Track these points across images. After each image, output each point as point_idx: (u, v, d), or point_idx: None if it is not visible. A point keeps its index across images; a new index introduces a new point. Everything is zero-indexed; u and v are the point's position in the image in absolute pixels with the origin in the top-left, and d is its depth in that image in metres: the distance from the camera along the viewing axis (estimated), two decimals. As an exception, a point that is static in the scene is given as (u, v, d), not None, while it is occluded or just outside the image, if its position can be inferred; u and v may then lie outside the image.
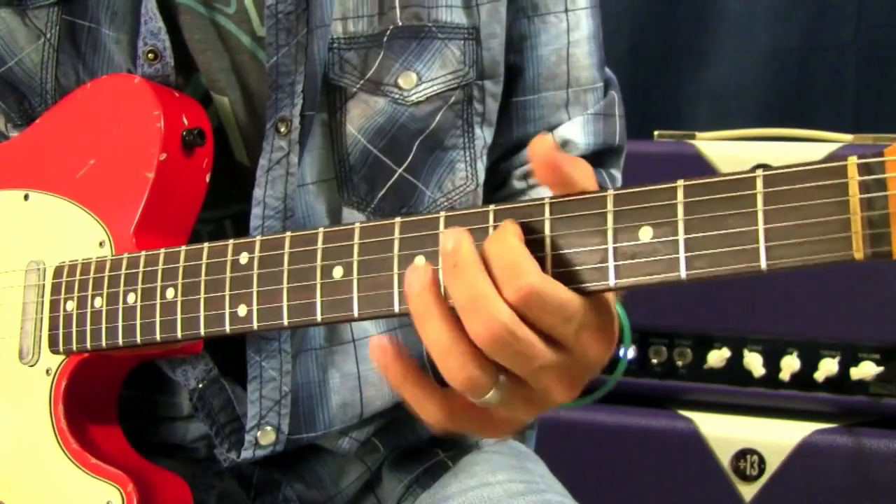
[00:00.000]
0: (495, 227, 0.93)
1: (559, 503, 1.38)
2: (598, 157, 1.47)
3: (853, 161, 0.78)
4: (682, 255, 0.85)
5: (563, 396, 0.94)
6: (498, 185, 1.48)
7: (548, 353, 0.90)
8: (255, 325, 1.09)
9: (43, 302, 1.28)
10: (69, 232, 1.28)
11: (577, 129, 1.45)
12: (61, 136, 1.33)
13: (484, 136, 1.40)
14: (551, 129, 1.44)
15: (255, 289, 1.09)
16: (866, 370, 2.19)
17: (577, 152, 1.44)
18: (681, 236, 0.85)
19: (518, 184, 1.46)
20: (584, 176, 0.92)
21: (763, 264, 0.81)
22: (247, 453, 1.31)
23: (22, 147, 1.37)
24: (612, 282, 0.88)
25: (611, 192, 0.89)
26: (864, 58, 2.88)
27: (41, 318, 1.28)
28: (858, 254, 0.78)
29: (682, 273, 0.85)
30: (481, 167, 1.40)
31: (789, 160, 2.30)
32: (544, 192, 1.39)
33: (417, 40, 1.32)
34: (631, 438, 2.32)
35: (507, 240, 0.90)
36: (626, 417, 2.34)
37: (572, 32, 1.43)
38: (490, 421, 0.99)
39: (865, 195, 0.77)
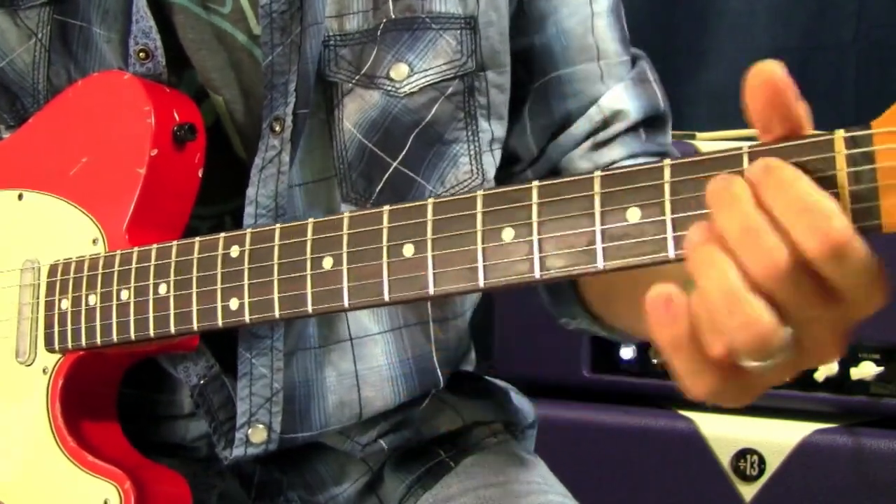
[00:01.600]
0: (484, 214, 0.93)
1: (560, 504, 1.39)
2: (649, 126, 1.43)
3: (840, 135, 0.78)
4: (669, 234, 0.84)
5: (834, 353, 0.86)
6: (549, 170, 1.43)
7: (832, 306, 0.82)
8: (247, 318, 1.09)
9: (38, 301, 1.28)
10: (63, 230, 1.29)
11: (624, 96, 1.40)
12: (54, 134, 1.33)
13: (491, 129, 1.38)
14: (593, 101, 1.40)
15: (245, 282, 1.09)
16: (866, 370, 2.19)
17: (629, 120, 1.40)
18: (668, 216, 0.84)
19: (584, 164, 1.40)
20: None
21: None
22: (238, 451, 1.31)
23: (15, 146, 1.37)
24: (600, 264, 0.88)
25: (597, 173, 0.88)
26: (864, 58, 2.87)
27: (37, 317, 1.28)
28: None
29: (671, 253, 0.84)
30: (489, 161, 1.39)
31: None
32: None
33: (410, 32, 1.31)
34: (631, 438, 2.32)
35: (797, 184, 0.79)
36: (626, 417, 2.34)
37: (594, 4, 1.40)
38: (748, 388, 0.89)
39: (852, 168, 0.77)
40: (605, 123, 1.40)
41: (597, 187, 0.88)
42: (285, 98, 1.25)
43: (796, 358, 0.84)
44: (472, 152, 1.36)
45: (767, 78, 0.83)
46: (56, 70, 1.34)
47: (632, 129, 1.40)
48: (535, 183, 0.91)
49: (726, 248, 0.81)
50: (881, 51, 2.86)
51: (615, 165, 1.35)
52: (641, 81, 1.43)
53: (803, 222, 0.78)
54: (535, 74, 1.40)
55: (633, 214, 0.86)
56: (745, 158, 0.82)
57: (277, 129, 1.25)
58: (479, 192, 0.94)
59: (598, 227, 0.88)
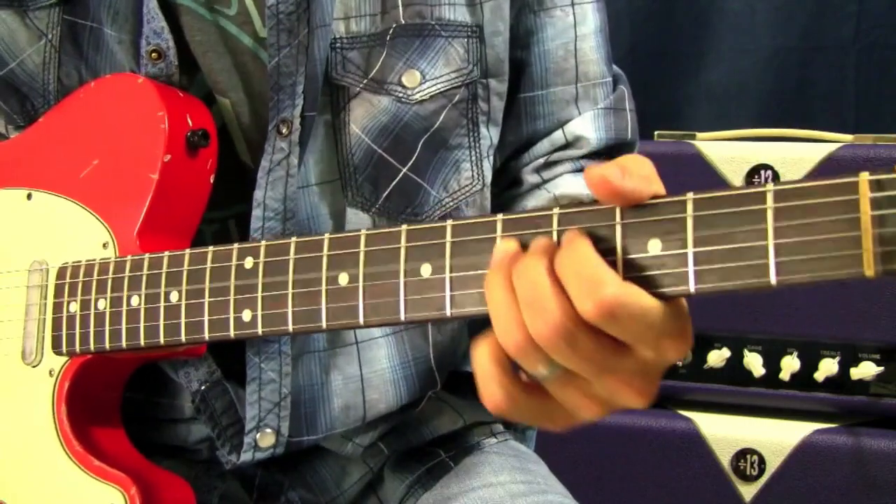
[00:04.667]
0: (503, 237, 0.93)
1: (560, 504, 1.39)
2: (610, 153, 1.46)
3: (865, 177, 0.78)
4: (690, 268, 0.85)
5: (635, 401, 0.91)
6: (508, 184, 1.47)
7: (616, 360, 0.88)
8: (259, 330, 1.09)
9: (46, 303, 1.28)
10: (72, 232, 1.28)
11: (588, 125, 1.44)
12: (65, 135, 1.33)
13: (490, 135, 1.39)
14: (561, 124, 1.43)
15: (259, 294, 1.09)
16: (866, 370, 2.19)
17: (588, 148, 1.43)
18: (689, 250, 0.85)
19: (532, 178, 1.45)
20: (640, 181, 0.89)
21: (773, 280, 0.81)
22: (246, 455, 1.31)
23: (25, 146, 1.37)
24: None
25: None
26: (864, 58, 2.88)
27: (44, 319, 1.28)
28: (869, 271, 0.77)
29: (692, 287, 0.85)
30: (488, 167, 1.40)
31: (789, 160, 2.28)
32: (564, 186, 1.38)
33: (421, 38, 1.31)
34: (631, 438, 2.33)
35: (580, 251, 0.87)
36: (626, 417, 2.34)
37: (579, 26, 1.42)
38: (548, 412, 0.95)
39: (877, 212, 0.77)
40: (565, 146, 1.44)
41: (618, 217, 0.88)
42: (293, 100, 1.25)
43: (588, 394, 0.92)
44: (473, 158, 1.37)
45: (596, 180, 0.88)
46: (67, 70, 1.34)
47: (590, 156, 1.43)
48: (556, 210, 0.91)
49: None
50: (881, 51, 2.86)
51: (558, 178, 1.41)
52: (616, 110, 1.46)
53: (582, 287, 0.85)
54: (514, 89, 1.41)
55: (654, 246, 0.87)
56: (770, 196, 0.82)
57: (284, 131, 1.25)
58: (500, 216, 0.94)
59: (619, 257, 0.88)
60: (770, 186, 0.82)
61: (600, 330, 0.87)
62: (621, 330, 0.86)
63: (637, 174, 0.88)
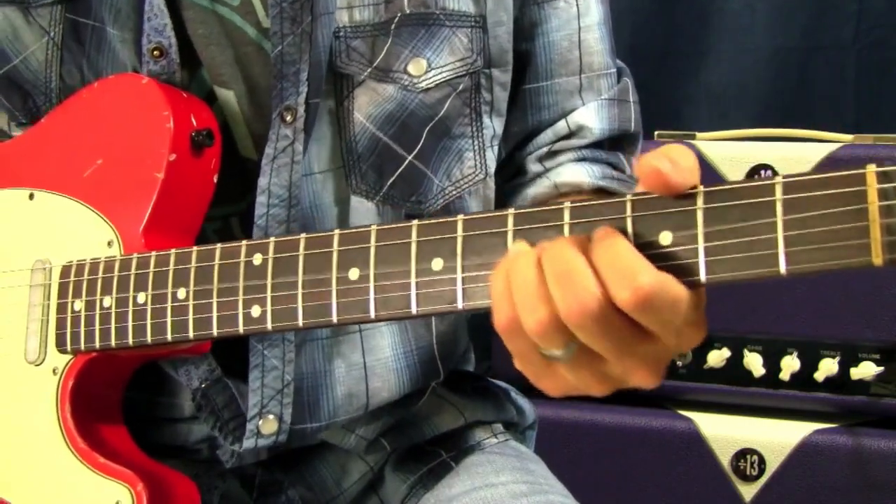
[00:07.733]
0: (515, 232, 0.94)
1: (561, 504, 1.39)
2: (614, 143, 1.47)
3: (872, 169, 0.79)
4: (701, 260, 0.85)
5: (647, 381, 0.94)
6: (513, 174, 1.49)
7: (639, 344, 0.90)
8: (269, 325, 1.10)
9: (49, 302, 1.28)
10: (76, 231, 1.29)
11: (592, 115, 1.45)
12: (68, 135, 1.33)
13: (493, 125, 1.40)
14: (565, 115, 1.45)
15: (268, 291, 1.09)
16: (866, 370, 2.19)
17: (591, 138, 1.45)
18: (700, 243, 0.86)
19: (535, 167, 1.46)
20: (688, 174, 0.89)
21: (783, 269, 0.82)
22: (248, 442, 1.31)
23: (27, 146, 1.37)
24: None
25: (629, 197, 0.89)
26: (864, 58, 2.88)
27: (47, 318, 1.28)
28: (878, 259, 0.78)
29: (703, 277, 0.86)
30: (491, 156, 1.41)
31: (789, 160, 2.28)
32: (564, 173, 1.39)
33: (426, 27, 1.32)
34: (631, 438, 2.32)
35: (616, 243, 0.88)
36: (626, 417, 2.34)
37: (583, 18, 1.43)
38: (558, 379, 0.98)
39: (884, 202, 0.78)
40: (568, 136, 1.45)
41: (628, 210, 0.89)
42: (297, 87, 1.26)
43: (599, 374, 0.94)
44: (476, 147, 1.38)
45: (647, 168, 0.89)
46: (69, 69, 1.34)
47: (592, 146, 1.44)
48: (567, 204, 0.92)
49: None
50: (881, 51, 2.86)
51: (559, 166, 1.43)
52: (619, 101, 1.48)
53: (616, 277, 0.86)
54: (519, 81, 1.43)
55: (665, 239, 0.87)
56: (779, 188, 0.83)
57: (289, 118, 1.25)
58: (510, 211, 0.95)
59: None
60: (779, 179, 0.83)
61: (629, 316, 0.88)
62: (652, 318, 0.88)
63: (684, 167, 0.88)
